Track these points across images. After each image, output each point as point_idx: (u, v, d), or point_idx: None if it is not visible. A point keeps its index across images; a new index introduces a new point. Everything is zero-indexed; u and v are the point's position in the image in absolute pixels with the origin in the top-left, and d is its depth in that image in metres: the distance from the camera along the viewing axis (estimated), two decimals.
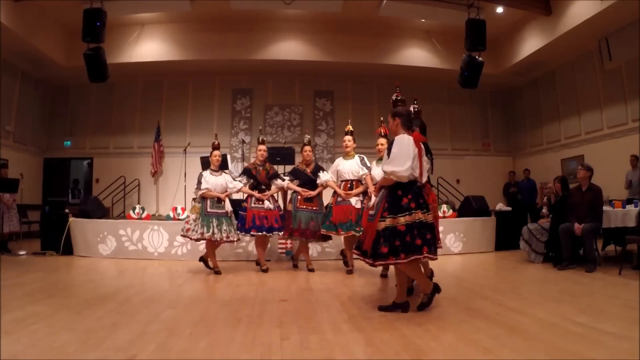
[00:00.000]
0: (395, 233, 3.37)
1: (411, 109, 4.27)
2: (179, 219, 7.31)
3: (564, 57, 10.70)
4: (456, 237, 7.50)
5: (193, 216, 5.65)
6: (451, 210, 8.00)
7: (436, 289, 3.68)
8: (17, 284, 4.75)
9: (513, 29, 11.12)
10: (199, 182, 5.65)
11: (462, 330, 3.01)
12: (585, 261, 5.58)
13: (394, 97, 4.45)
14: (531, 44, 10.59)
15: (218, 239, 5.48)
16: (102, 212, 8.06)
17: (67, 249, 7.31)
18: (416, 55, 11.68)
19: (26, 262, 6.69)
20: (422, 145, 3.58)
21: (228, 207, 5.66)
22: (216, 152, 5.83)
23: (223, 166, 6.23)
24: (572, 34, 9.33)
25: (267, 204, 5.73)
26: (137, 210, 7.65)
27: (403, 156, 3.42)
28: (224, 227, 5.53)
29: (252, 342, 2.81)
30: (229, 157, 11.09)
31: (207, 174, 5.73)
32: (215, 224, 5.49)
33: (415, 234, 3.37)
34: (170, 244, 7.06)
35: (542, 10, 9.71)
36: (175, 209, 7.60)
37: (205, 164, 9.58)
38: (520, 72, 11.88)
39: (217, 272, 5.51)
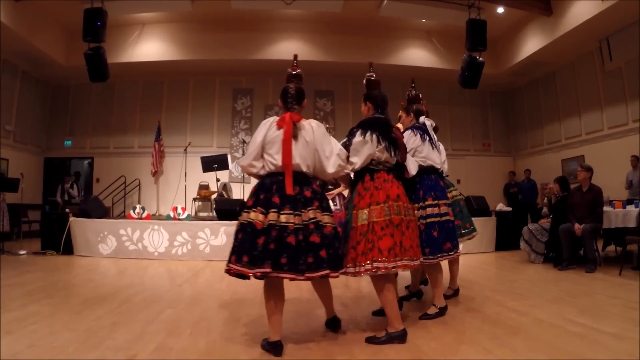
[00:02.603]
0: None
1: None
2: (179, 219, 7.31)
3: (564, 58, 10.69)
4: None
5: None
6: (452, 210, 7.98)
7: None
8: (17, 284, 4.75)
9: (513, 29, 11.11)
10: None
11: (463, 331, 3.01)
12: (585, 261, 5.58)
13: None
14: (532, 44, 10.58)
15: None
16: (103, 212, 8.06)
17: (68, 249, 7.31)
18: (417, 55, 11.67)
19: (26, 261, 6.69)
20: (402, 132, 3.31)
21: None
22: None
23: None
24: (573, 34, 9.33)
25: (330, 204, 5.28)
26: (137, 210, 7.65)
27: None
28: None
29: (252, 342, 2.81)
30: (229, 157, 11.10)
31: None
32: None
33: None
34: (170, 243, 7.06)
35: (542, 11, 9.70)
36: (175, 208, 7.60)
37: (206, 164, 9.55)
38: (520, 72, 11.86)
39: None
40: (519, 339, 2.79)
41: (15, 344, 2.68)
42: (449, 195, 3.94)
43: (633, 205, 6.18)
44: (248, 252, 2.52)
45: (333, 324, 3.05)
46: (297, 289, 4.51)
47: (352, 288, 4.76)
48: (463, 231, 4.15)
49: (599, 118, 10.14)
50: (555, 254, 6.14)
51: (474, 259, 6.98)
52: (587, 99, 10.43)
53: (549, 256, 6.31)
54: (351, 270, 2.76)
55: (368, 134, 2.85)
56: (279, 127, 2.77)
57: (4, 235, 8.08)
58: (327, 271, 2.61)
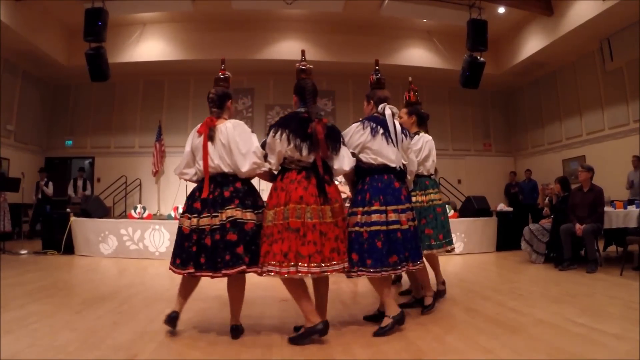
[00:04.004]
0: None
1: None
2: (180, 219, 7.31)
3: (565, 58, 10.69)
4: (457, 237, 7.47)
5: None
6: (452, 211, 7.99)
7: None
8: (18, 283, 4.76)
9: (514, 29, 11.11)
10: None
11: (463, 331, 3.01)
12: (586, 262, 5.57)
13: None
14: (533, 44, 10.58)
15: None
16: (104, 212, 8.07)
17: (69, 248, 7.31)
18: (417, 55, 11.67)
19: (27, 261, 6.70)
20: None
21: None
22: None
23: None
24: (574, 34, 9.33)
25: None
26: (138, 210, 7.66)
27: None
28: None
29: (252, 342, 2.81)
30: None
31: None
32: None
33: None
34: (171, 243, 7.04)
35: (543, 11, 9.70)
36: (176, 208, 7.60)
37: None
38: (521, 72, 11.86)
39: None
40: (519, 339, 2.79)
41: (16, 344, 2.68)
42: (424, 198, 3.69)
43: (634, 206, 6.19)
44: (179, 255, 2.84)
45: (235, 331, 2.89)
46: None
47: (352, 287, 4.75)
48: (433, 242, 3.64)
49: (600, 118, 10.14)
50: (556, 254, 6.13)
51: (475, 259, 6.97)
52: (588, 99, 10.42)
53: (549, 256, 6.30)
54: (257, 269, 2.79)
55: (279, 132, 2.80)
56: (199, 133, 2.93)
57: (6, 235, 8.09)
58: (243, 267, 2.71)
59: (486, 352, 2.55)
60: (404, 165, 3.15)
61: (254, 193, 2.95)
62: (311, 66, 3.16)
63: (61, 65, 10.90)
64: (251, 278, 3.01)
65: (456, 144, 13.16)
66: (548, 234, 6.32)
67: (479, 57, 9.06)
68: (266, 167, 2.90)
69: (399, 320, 2.93)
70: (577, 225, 5.63)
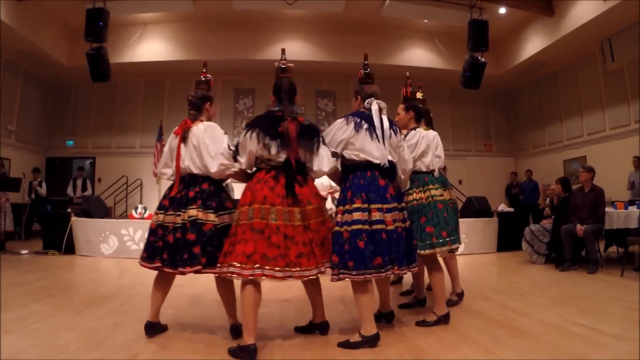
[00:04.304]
0: None
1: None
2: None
3: (566, 58, 10.68)
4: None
5: None
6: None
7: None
8: (19, 283, 4.76)
9: (515, 30, 11.11)
10: None
11: (464, 331, 3.01)
12: (587, 262, 5.57)
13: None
14: (534, 44, 10.57)
15: None
16: (104, 212, 8.08)
17: (69, 249, 7.32)
18: (418, 55, 11.67)
19: (28, 261, 6.70)
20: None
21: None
22: None
23: None
24: (575, 34, 9.33)
25: None
26: (139, 210, 7.66)
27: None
28: None
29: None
30: None
31: None
32: None
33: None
34: None
35: (544, 11, 9.70)
36: None
37: None
38: (522, 72, 11.86)
39: None
40: (520, 340, 2.78)
41: (17, 344, 2.68)
42: (422, 195, 3.41)
43: (635, 206, 6.17)
44: (147, 249, 2.92)
45: (234, 331, 2.94)
46: (299, 290, 4.51)
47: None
48: (435, 240, 3.32)
49: (600, 119, 10.13)
50: (557, 254, 6.12)
51: (476, 259, 6.97)
52: (589, 100, 10.42)
53: (550, 257, 6.29)
54: (217, 269, 2.70)
55: (249, 132, 2.78)
56: (176, 135, 3.00)
57: (8, 234, 8.10)
58: (199, 267, 2.74)
59: (487, 353, 2.55)
60: (392, 162, 2.94)
61: (220, 195, 2.94)
62: (291, 64, 3.16)
63: (62, 65, 10.92)
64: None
65: (457, 145, 13.15)
66: (549, 234, 6.32)
67: (480, 58, 9.06)
68: (236, 167, 2.86)
69: (370, 342, 2.69)
70: (578, 226, 5.62)
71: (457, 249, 3.63)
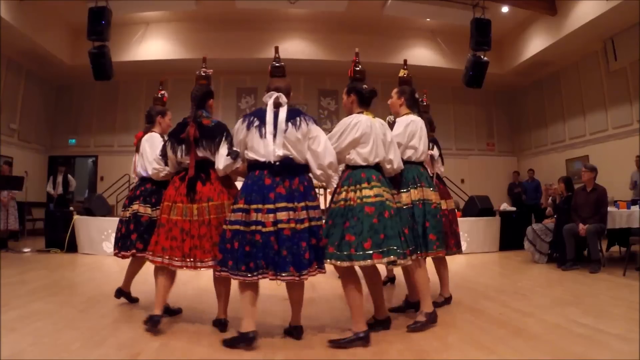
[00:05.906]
0: None
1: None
2: None
3: (569, 57, 10.64)
4: (460, 237, 7.46)
5: None
6: (455, 210, 7.97)
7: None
8: (21, 282, 4.78)
9: (518, 29, 11.08)
10: None
11: (466, 331, 3.01)
12: (589, 262, 5.56)
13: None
14: (536, 43, 10.54)
15: None
16: (107, 210, 8.08)
17: (72, 247, 7.33)
18: (421, 54, 11.64)
19: (30, 259, 6.72)
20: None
21: None
22: None
23: None
24: (577, 34, 9.29)
25: None
26: None
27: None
28: None
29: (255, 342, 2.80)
30: None
31: None
32: None
33: None
34: None
35: (547, 10, 9.67)
36: None
37: None
38: (525, 72, 11.82)
39: None
40: (522, 339, 2.78)
41: (19, 342, 2.69)
42: (352, 195, 2.76)
43: (637, 206, 6.15)
44: (119, 239, 3.68)
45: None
46: None
47: None
48: (353, 252, 2.65)
49: (603, 118, 10.10)
50: (559, 254, 6.11)
51: (478, 258, 6.97)
52: (592, 99, 10.39)
53: (553, 256, 6.29)
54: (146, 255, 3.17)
55: (167, 141, 3.18)
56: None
57: (13, 233, 8.12)
58: (133, 251, 3.42)
59: (489, 353, 2.55)
60: (288, 158, 2.73)
61: (160, 192, 3.35)
62: (211, 71, 3.38)
63: (65, 64, 10.92)
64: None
65: (459, 144, 13.13)
66: (551, 233, 6.31)
67: (482, 57, 9.04)
68: (166, 170, 3.25)
69: (249, 341, 2.63)
70: (580, 225, 5.62)
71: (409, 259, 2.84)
